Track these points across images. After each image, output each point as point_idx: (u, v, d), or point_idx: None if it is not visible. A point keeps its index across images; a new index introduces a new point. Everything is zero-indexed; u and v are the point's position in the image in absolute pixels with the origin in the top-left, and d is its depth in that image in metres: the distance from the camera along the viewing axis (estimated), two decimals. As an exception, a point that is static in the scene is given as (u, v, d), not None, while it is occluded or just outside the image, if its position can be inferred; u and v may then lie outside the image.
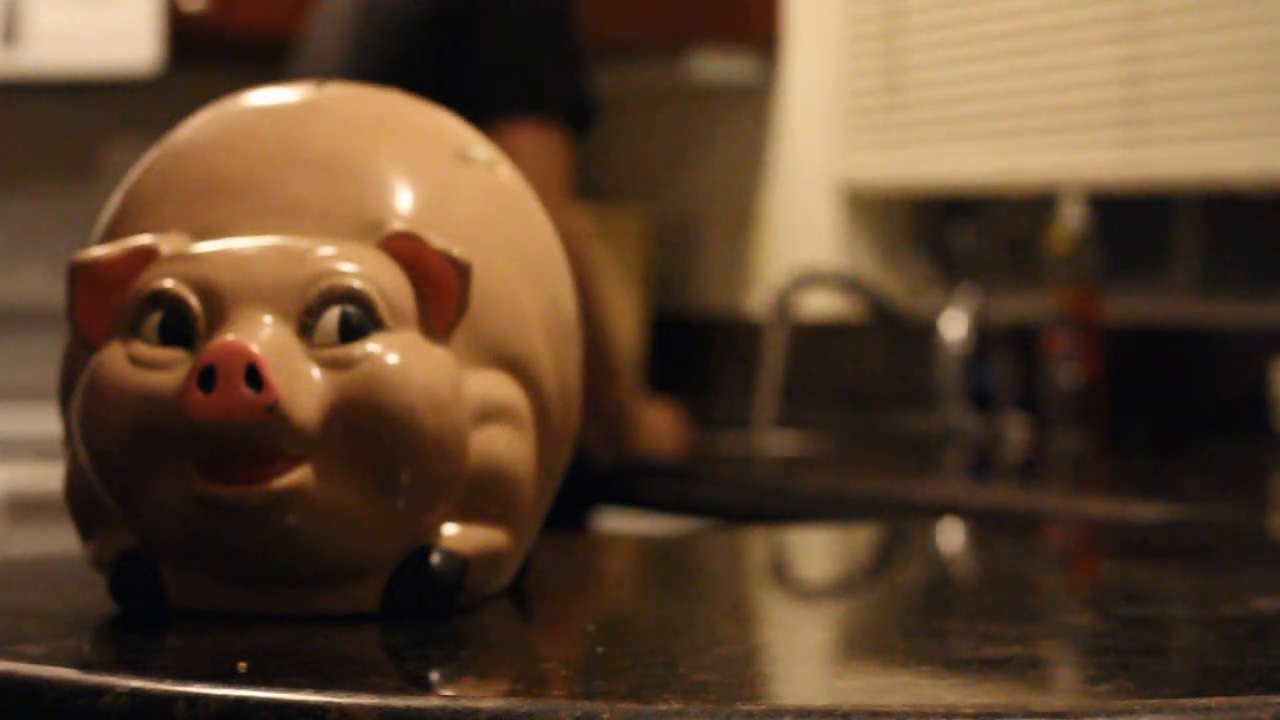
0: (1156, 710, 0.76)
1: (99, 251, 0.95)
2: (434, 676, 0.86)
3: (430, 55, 2.55)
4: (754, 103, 3.54)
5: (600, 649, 0.95)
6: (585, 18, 2.65)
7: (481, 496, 0.95)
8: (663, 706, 0.76)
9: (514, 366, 0.97)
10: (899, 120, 3.31)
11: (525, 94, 2.54)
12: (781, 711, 0.76)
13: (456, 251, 0.94)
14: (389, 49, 2.59)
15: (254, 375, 0.88)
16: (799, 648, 0.98)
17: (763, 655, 0.95)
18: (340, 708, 0.76)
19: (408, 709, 0.76)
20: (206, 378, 0.89)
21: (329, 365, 0.91)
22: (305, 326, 0.91)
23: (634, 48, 3.49)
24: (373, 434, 0.90)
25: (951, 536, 1.55)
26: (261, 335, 0.90)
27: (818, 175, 3.43)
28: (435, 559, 0.94)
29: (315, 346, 0.91)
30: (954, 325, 3.04)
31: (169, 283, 0.92)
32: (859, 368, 3.35)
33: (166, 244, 0.95)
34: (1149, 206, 3.02)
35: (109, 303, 0.94)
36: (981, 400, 3.02)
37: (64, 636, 0.94)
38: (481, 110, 2.50)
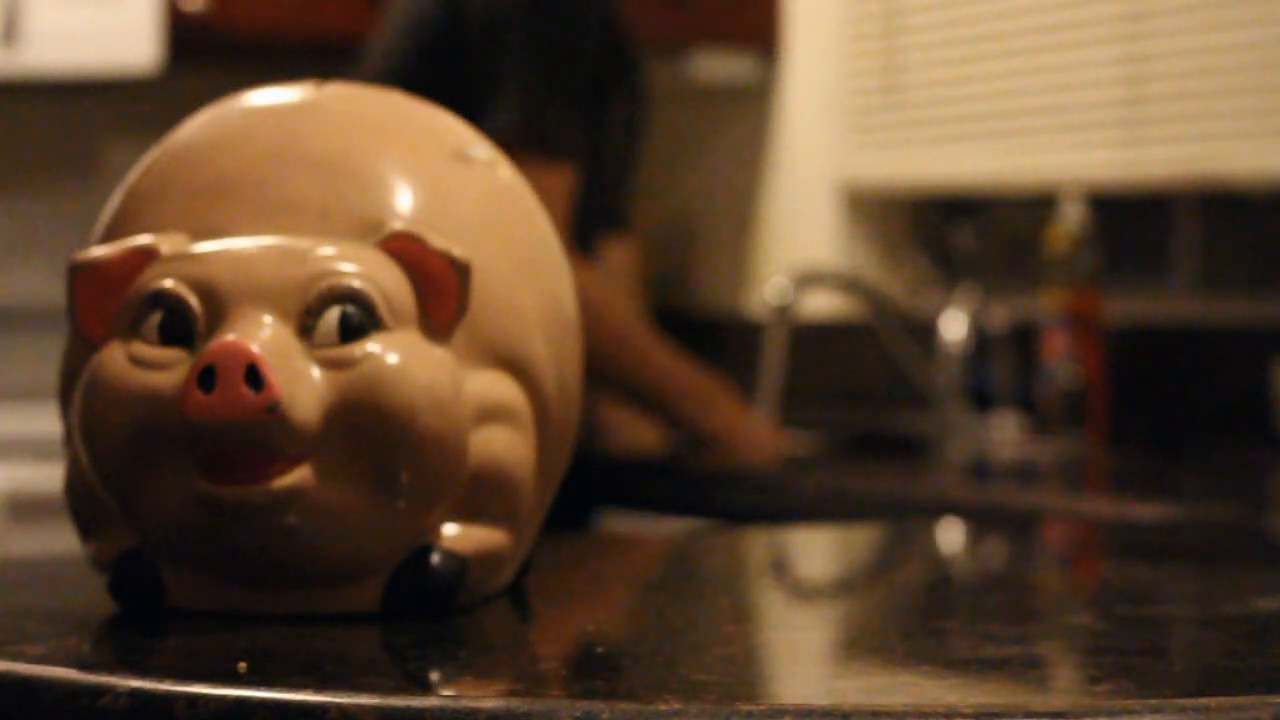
0: (1156, 710, 0.76)
1: (99, 251, 0.95)
2: (434, 676, 0.86)
3: (435, 77, 2.42)
4: (754, 103, 3.54)
5: (600, 649, 0.95)
6: (591, 49, 2.52)
7: (481, 496, 0.95)
8: (663, 706, 0.76)
9: (514, 366, 0.97)
10: (899, 120, 3.31)
11: (532, 131, 2.40)
12: (781, 711, 0.76)
13: (456, 251, 0.94)
14: (400, 64, 2.49)
15: (254, 375, 0.88)
16: (799, 648, 0.98)
17: (763, 655, 0.95)
18: (340, 708, 0.76)
19: (408, 709, 0.76)
20: (206, 378, 0.89)
21: (329, 365, 0.91)
22: (305, 326, 0.91)
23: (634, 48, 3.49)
24: (373, 434, 0.90)
25: (951, 536, 1.55)
26: (261, 335, 0.90)
27: (818, 175, 3.43)
28: (435, 559, 0.94)
29: (315, 346, 0.91)
30: (954, 325, 3.04)
31: (169, 283, 0.92)
32: (859, 368, 3.35)
33: (166, 244, 0.95)
34: (1148, 206, 3.02)
35: (109, 303, 0.94)
36: (981, 400, 3.02)
37: (64, 636, 0.94)
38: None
